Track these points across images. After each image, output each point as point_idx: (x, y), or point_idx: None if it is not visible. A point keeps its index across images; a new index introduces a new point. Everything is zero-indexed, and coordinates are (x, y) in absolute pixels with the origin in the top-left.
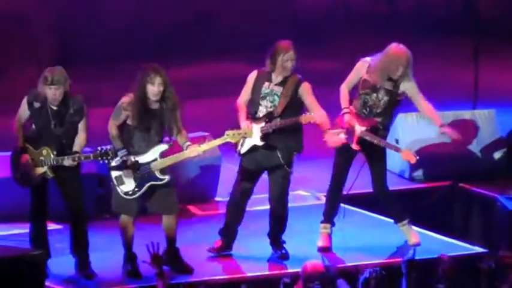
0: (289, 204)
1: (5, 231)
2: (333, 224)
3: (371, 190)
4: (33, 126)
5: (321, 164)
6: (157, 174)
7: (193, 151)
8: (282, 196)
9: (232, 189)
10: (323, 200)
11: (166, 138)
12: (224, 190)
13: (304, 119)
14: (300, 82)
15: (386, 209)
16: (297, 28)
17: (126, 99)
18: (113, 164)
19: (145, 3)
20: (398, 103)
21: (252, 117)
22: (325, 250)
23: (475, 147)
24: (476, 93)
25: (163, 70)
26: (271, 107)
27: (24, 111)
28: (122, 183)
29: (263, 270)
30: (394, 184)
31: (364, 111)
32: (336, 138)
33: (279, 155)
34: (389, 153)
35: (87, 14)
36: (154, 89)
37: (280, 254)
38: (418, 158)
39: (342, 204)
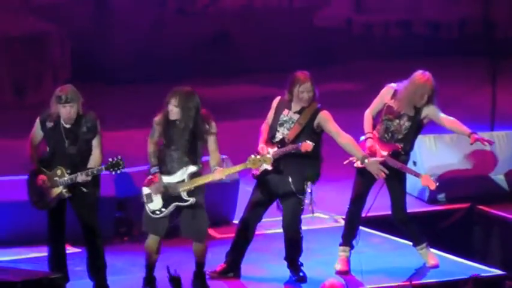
0: (308, 227)
1: (23, 254)
2: (351, 247)
3: (389, 212)
4: (47, 148)
5: (339, 186)
6: (183, 196)
7: (217, 174)
8: (294, 224)
9: (244, 211)
10: (341, 222)
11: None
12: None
13: (302, 147)
14: (318, 111)
15: (405, 233)
16: (313, 49)
17: (157, 116)
18: (145, 181)
19: (163, 23)
20: (421, 128)
21: (270, 141)
22: (343, 273)
23: (494, 168)
24: (494, 114)
25: (183, 93)
26: (286, 134)
27: (37, 131)
28: (151, 201)
29: None
30: (412, 206)
31: (386, 136)
32: (376, 167)
33: (291, 182)
34: (409, 175)
35: (105, 35)
36: (170, 107)
37: (297, 277)
38: (437, 184)
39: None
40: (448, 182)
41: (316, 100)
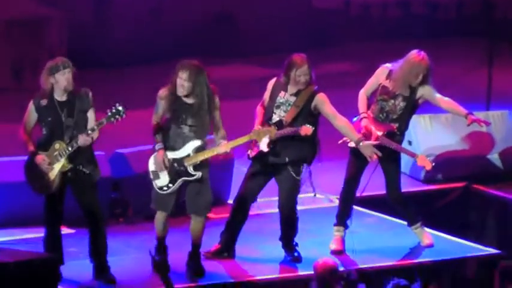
0: (303, 207)
1: (18, 235)
2: (346, 227)
3: (384, 192)
4: (43, 130)
5: (334, 167)
6: (190, 170)
7: (222, 147)
8: (290, 204)
9: (238, 190)
10: (336, 202)
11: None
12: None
13: (302, 130)
14: (314, 94)
15: (400, 213)
16: (311, 31)
17: (161, 91)
18: (151, 158)
19: (162, 5)
20: (415, 108)
21: (266, 122)
22: (338, 253)
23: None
24: (490, 94)
25: (196, 68)
26: (283, 116)
27: (31, 114)
28: (157, 177)
29: (275, 273)
30: (407, 185)
31: (381, 116)
32: (370, 150)
33: (288, 163)
34: (403, 154)
35: (102, 17)
36: (179, 82)
37: (292, 257)
38: (434, 164)
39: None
40: (444, 162)
41: (313, 82)
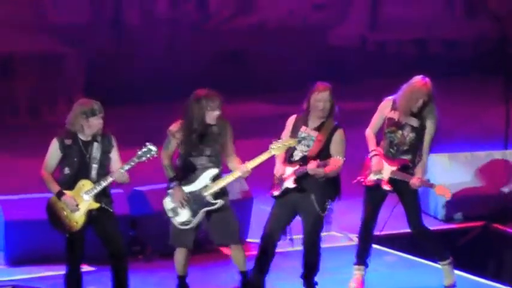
0: (322, 245)
1: (38, 273)
2: (366, 265)
3: (404, 230)
4: (64, 170)
5: (352, 204)
6: (210, 199)
7: (242, 170)
8: (315, 241)
9: (263, 230)
10: (355, 241)
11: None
12: (256, 231)
13: (332, 162)
14: (335, 128)
15: (427, 248)
16: (327, 68)
17: (174, 127)
18: (166, 197)
19: (177, 41)
20: (429, 143)
21: (288, 160)
22: None
23: (508, 187)
24: (508, 132)
25: (218, 96)
26: (306, 151)
27: (54, 153)
28: (177, 214)
29: None
30: (427, 224)
31: (391, 150)
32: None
33: (314, 200)
34: (422, 194)
35: (120, 55)
36: (215, 113)
37: None
38: (452, 193)
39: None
40: (463, 201)
41: (334, 116)
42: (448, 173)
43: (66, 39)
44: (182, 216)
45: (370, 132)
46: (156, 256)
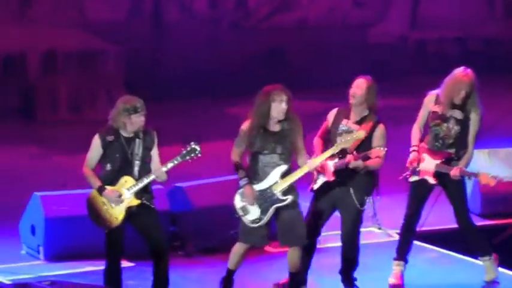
0: (361, 242)
1: (79, 268)
2: (406, 261)
3: (444, 226)
4: (106, 166)
5: (392, 200)
6: (279, 196)
7: (310, 165)
8: (354, 236)
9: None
10: (394, 237)
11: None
12: None
13: (373, 153)
14: (377, 123)
15: (470, 243)
16: (367, 66)
17: (246, 125)
18: (236, 196)
19: (217, 39)
20: (474, 135)
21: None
22: (397, 287)
23: None
24: None
25: (287, 90)
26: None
27: (95, 150)
28: (247, 212)
29: None
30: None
31: (437, 144)
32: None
33: (352, 194)
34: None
35: (160, 52)
36: (282, 106)
37: None
38: (497, 179)
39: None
40: (502, 197)
41: (376, 111)
42: (487, 169)
43: (106, 35)
44: (252, 214)
45: (416, 128)
46: (197, 252)
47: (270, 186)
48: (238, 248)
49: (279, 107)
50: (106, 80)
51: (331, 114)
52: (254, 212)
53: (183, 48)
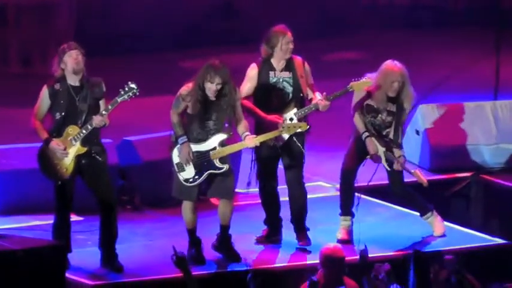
0: (309, 196)
1: (26, 222)
2: (352, 215)
3: None
4: (55, 116)
5: (341, 155)
6: (216, 163)
7: (250, 141)
8: (301, 178)
9: (258, 180)
10: None
11: (226, 125)
12: (243, 181)
13: (321, 104)
14: (304, 62)
15: (409, 205)
16: (318, 17)
17: (185, 90)
18: (174, 150)
19: None
20: (405, 121)
21: (273, 109)
22: (344, 242)
23: (497, 138)
24: (498, 84)
25: (224, 68)
26: (282, 94)
27: (44, 101)
28: (183, 170)
29: (284, 262)
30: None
31: (373, 132)
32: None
33: (294, 138)
34: (406, 142)
35: (110, 3)
36: (212, 87)
37: (305, 241)
38: (427, 184)
39: (361, 196)
40: (451, 151)
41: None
42: (436, 124)
43: None
44: (187, 173)
45: (357, 116)
46: (145, 206)
47: (207, 151)
48: (185, 207)
49: (211, 88)
50: (57, 34)
51: (253, 71)
52: (189, 171)
53: (134, 1)
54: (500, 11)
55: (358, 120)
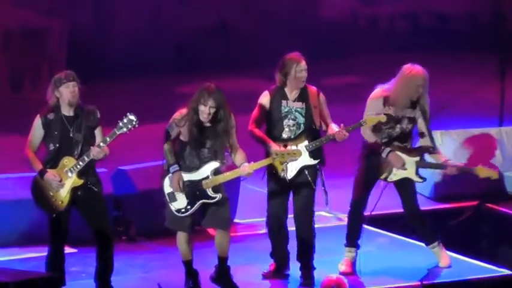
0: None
1: (19, 254)
2: (357, 247)
3: (395, 210)
4: (49, 147)
5: (342, 184)
6: (209, 193)
7: (245, 169)
8: (310, 214)
9: (267, 213)
10: (345, 221)
11: (226, 154)
12: (243, 212)
13: (338, 135)
14: (319, 92)
15: (417, 231)
16: (317, 41)
17: (178, 115)
18: (166, 180)
19: (161, 13)
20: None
21: (279, 139)
22: (347, 274)
23: (501, 165)
24: (502, 109)
25: (219, 92)
26: (294, 125)
27: (37, 131)
28: (174, 200)
29: None
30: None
31: (396, 145)
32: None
33: (306, 172)
34: None
35: (103, 27)
36: (205, 110)
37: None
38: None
39: (365, 226)
40: (456, 179)
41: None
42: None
43: (48, 12)
44: (179, 203)
45: (366, 129)
46: (141, 237)
47: (200, 180)
48: (179, 238)
49: (204, 111)
50: (49, 58)
51: (265, 99)
52: (181, 201)
53: (127, 25)
54: (504, 34)
55: (370, 136)
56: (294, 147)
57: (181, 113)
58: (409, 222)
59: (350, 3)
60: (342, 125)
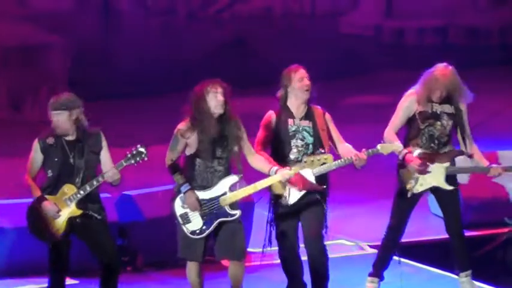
0: (330, 255)
1: (20, 286)
2: (381, 278)
3: (419, 238)
4: (48, 173)
5: (365, 211)
6: (228, 210)
7: (284, 175)
8: (321, 236)
9: (278, 242)
10: (367, 249)
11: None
12: (257, 240)
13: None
14: (324, 112)
15: (454, 255)
16: (339, 58)
17: (182, 125)
18: (177, 200)
19: (172, 30)
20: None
21: (286, 160)
22: None
23: None
24: None
25: (225, 85)
26: (302, 145)
27: (36, 156)
28: (188, 221)
29: None
30: (443, 231)
31: (433, 146)
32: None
33: (318, 197)
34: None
35: (107, 45)
36: (216, 95)
37: None
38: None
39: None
40: (484, 205)
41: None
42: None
43: (50, 28)
44: (194, 225)
45: (391, 133)
46: (148, 267)
47: (217, 197)
48: (190, 269)
49: (215, 100)
50: (50, 77)
51: (270, 119)
52: (196, 222)
53: (135, 43)
54: None
55: (394, 138)
56: (325, 154)
57: (185, 122)
58: (451, 238)
59: (374, 16)
60: (363, 150)
